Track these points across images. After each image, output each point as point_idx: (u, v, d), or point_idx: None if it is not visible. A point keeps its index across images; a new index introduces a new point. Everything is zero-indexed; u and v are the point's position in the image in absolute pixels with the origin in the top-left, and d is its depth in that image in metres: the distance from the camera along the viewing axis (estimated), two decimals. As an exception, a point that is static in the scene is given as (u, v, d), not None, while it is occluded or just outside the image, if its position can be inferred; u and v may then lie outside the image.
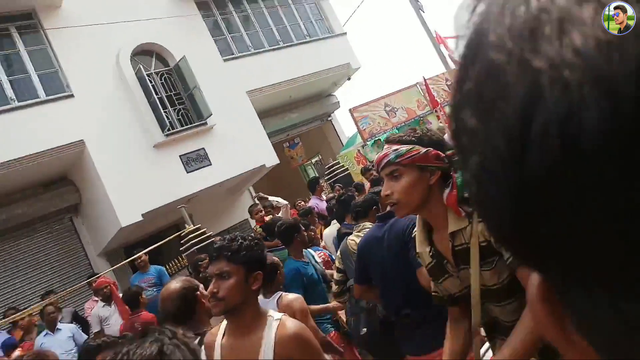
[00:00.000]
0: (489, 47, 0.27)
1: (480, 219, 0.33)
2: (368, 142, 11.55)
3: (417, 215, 1.83)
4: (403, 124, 12.47)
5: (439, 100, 12.90)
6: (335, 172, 10.67)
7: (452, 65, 14.91)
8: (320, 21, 16.38)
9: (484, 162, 0.28)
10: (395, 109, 12.54)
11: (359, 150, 11.48)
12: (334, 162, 11.10)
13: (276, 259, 3.67)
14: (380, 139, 11.79)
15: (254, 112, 12.10)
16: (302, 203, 9.29)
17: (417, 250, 1.84)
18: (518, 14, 0.26)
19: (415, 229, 1.92)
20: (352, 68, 15.37)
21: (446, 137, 1.99)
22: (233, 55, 13.53)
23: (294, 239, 4.10)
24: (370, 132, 11.88)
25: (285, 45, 14.82)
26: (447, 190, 1.65)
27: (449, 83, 12.58)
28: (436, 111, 11.25)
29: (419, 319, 2.62)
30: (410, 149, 1.67)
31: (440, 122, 11.02)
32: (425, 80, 11.27)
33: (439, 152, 1.67)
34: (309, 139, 15.54)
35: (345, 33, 16.39)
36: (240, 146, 11.00)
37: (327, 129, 16.58)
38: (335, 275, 3.70)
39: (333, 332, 3.93)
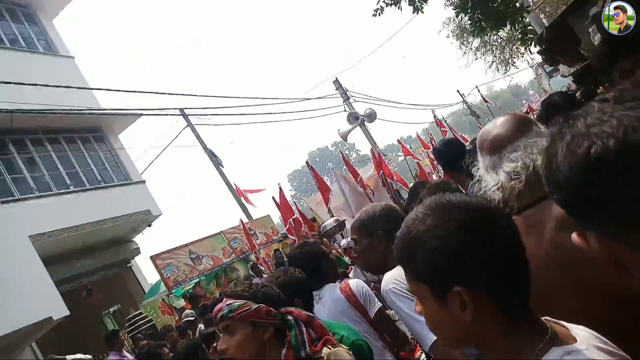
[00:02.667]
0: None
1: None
2: (174, 291, 10.86)
3: None
4: (209, 271, 12.18)
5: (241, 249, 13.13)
6: (139, 324, 9.60)
7: (253, 216, 15.72)
8: (116, 168, 15.89)
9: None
10: (201, 257, 12.27)
11: (163, 299, 10.67)
12: (136, 312, 10.03)
13: None
14: (186, 292, 11.22)
15: (37, 258, 10.53)
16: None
17: None
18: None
19: None
20: (152, 215, 14.88)
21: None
22: (13, 198, 12.02)
23: None
24: (175, 280, 11.26)
25: (76, 189, 13.81)
26: (283, 350, 1.67)
27: (252, 232, 12.98)
28: (255, 253, 11.34)
29: None
30: (243, 304, 1.68)
31: (260, 264, 11.08)
32: (243, 223, 11.45)
33: (270, 308, 1.70)
34: (107, 287, 13.95)
35: (144, 181, 16.10)
36: (17, 297, 9.26)
37: (127, 276, 15.22)
38: None
39: None
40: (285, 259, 12.29)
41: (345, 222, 8.90)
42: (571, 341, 0.85)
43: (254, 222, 14.68)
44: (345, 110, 22.09)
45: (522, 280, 0.88)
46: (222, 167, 17.02)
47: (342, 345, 1.82)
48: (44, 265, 10.54)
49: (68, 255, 12.73)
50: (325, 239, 8.60)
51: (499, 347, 0.88)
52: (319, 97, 21.91)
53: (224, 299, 1.74)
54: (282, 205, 10.44)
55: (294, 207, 10.55)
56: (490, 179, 1.37)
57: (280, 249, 13.53)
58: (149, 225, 15.03)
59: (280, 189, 10.64)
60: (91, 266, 13.32)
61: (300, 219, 10.25)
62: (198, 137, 17.52)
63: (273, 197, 11.18)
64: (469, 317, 0.85)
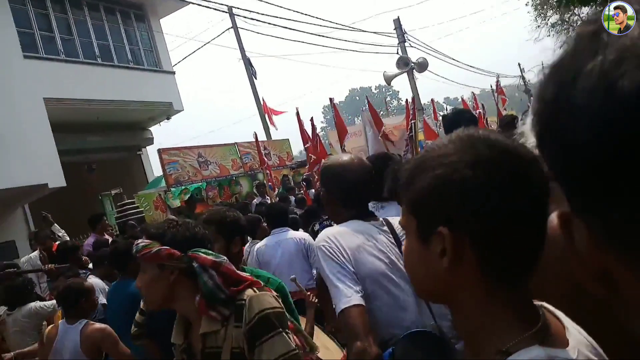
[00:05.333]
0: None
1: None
2: (172, 189, 10.65)
3: None
4: (214, 179, 11.91)
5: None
6: (127, 212, 9.48)
7: (273, 135, 15.28)
8: (149, 52, 15.41)
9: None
10: (209, 162, 11.96)
11: (160, 195, 10.48)
12: (128, 200, 9.88)
13: (89, 283, 3.60)
14: (188, 189, 11.00)
15: (47, 122, 10.34)
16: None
17: (172, 340, 1.78)
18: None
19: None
20: (173, 109, 14.56)
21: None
22: (37, 55, 11.69)
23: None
24: (176, 178, 11.02)
25: (103, 63, 13.43)
26: (197, 297, 1.63)
27: (266, 152, 12.57)
28: (264, 171, 10.97)
29: None
30: (147, 245, 1.64)
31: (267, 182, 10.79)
32: (256, 137, 11.01)
33: (173, 251, 1.63)
34: (112, 169, 13.93)
35: (174, 72, 15.65)
36: (20, 156, 9.14)
37: (134, 163, 15.18)
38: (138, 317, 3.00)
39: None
40: (292, 186, 12.09)
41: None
42: (560, 344, 0.71)
43: (270, 142, 14.25)
44: (397, 53, 21.01)
45: (525, 248, 0.72)
46: (256, 79, 16.42)
47: (271, 289, 1.77)
48: (52, 132, 10.39)
49: (80, 127, 12.57)
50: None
51: (470, 316, 0.75)
52: (375, 32, 20.80)
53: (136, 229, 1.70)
54: (312, 133, 9.86)
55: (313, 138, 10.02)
56: (532, 138, 1.11)
57: (289, 176, 13.16)
58: (168, 118, 14.76)
59: (297, 113, 9.95)
60: (101, 144, 13.19)
61: (319, 147, 9.65)
62: (239, 41, 16.83)
63: (297, 113, 10.38)
64: (445, 265, 0.73)
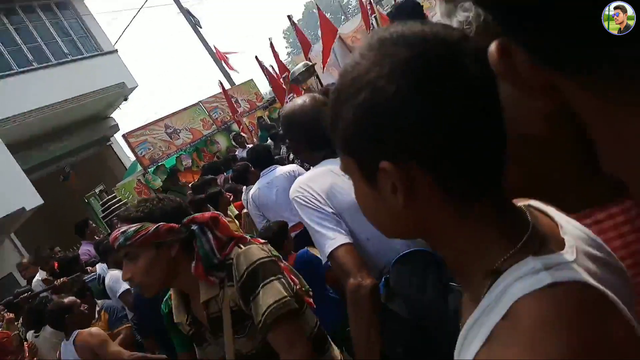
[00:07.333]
0: None
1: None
2: (149, 170, 10.32)
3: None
4: (188, 145, 11.52)
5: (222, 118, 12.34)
6: (113, 208, 9.25)
7: (235, 82, 14.64)
8: (84, 38, 14.58)
9: None
10: (179, 130, 11.51)
11: (139, 180, 10.18)
12: (110, 196, 9.63)
13: (69, 299, 3.59)
14: (164, 164, 10.67)
15: (3, 147, 9.94)
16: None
17: (176, 321, 1.78)
18: None
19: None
20: (127, 87, 13.96)
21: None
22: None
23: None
24: (151, 157, 10.66)
25: (40, 66, 12.73)
26: (193, 263, 1.61)
27: (234, 100, 12.04)
28: (237, 121, 10.69)
29: None
30: (139, 228, 1.56)
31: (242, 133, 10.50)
32: (222, 86, 10.61)
33: (172, 225, 1.59)
34: (88, 168, 13.64)
35: (116, 50, 14.87)
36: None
37: (108, 155, 14.87)
38: None
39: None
40: (271, 123, 11.69)
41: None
42: (556, 246, 0.62)
43: (235, 87, 13.62)
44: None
45: (483, 152, 0.60)
46: (200, 27, 15.53)
47: (259, 240, 1.74)
48: (11, 153, 10.02)
49: (40, 139, 12.15)
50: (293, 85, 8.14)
51: (448, 245, 0.66)
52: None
53: (117, 225, 1.66)
54: (277, 61, 9.84)
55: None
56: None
57: (264, 116, 12.69)
58: (125, 99, 14.22)
59: (271, 43, 9.76)
60: (67, 148, 12.81)
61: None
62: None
63: (256, 57, 10.30)
64: (401, 202, 0.62)
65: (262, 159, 4.46)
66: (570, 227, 0.69)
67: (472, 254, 0.65)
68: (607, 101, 0.33)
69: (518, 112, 0.49)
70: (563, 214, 0.73)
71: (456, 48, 0.59)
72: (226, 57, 14.60)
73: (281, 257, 1.79)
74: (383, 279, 1.61)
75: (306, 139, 1.96)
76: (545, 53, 0.36)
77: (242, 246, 1.66)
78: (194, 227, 1.62)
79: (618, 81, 0.31)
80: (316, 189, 1.76)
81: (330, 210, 1.72)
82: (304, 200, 1.76)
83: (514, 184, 0.73)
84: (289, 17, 9.57)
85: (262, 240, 1.76)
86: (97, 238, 8.16)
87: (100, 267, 5.33)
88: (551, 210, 0.73)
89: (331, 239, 1.65)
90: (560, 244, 0.64)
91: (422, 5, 5.44)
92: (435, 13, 1.27)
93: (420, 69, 0.58)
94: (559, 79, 0.37)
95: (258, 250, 1.64)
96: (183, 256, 1.62)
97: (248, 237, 1.75)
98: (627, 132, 0.33)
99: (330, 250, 1.64)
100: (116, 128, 14.50)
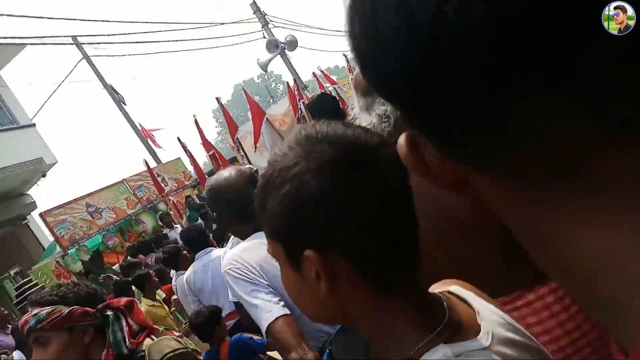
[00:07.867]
0: None
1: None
2: (69, 251, 9.72)
3: None
4: (112, 225, 11.03)
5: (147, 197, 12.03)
6: (28, 293, 8.50)
7: (161, 160, 14.42)
8: (-1, 110, 13.90)
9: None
10: (101, 209, 11.03)
11: (58, 262, 9.53)
12: (26, 279, 8.89)
13: None
14: (86, 245, 10.12)
15: None
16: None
17: None
18: None
19: None
20: (45, 163, 13.29)
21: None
22: None
23: None
24: (71, 238, 10.06)
25: (-53, 139, 11.89)
26: (104, 351, 1.56)
27: (160, 178, 11.83)
28: (164, 199, 10.31)
29: None
30: (52, 311, 1.50)
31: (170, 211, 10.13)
32: (147, 164, 10.30)
33: (87, 309, 1.54)
34: (2, 248, 12.50)
35: (34, 124, 14.27)
36: None
37: (23, 234, 13.77)
38: None
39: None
40: (201, 203, 11.51)
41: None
42: (472, 333, 0.65)
43: (162, 166, 13.40)
44: (264, 37, 20.61)
45: (398, 242, 0.66)
46: (125, 104, 15.39)
47: (175, 332, 1.75)
48: None
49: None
50: None
51: (368, 332, 0.70)
52: (234, 22, 20.21)
53: (29, 308, 1.57)
54: (202, 139, 9.57)
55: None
56: (364, 120, 1.34)
57: (192, 195, 12.54)
58: (44, 176, 13.51)
59: (196, 120, 9.56)
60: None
61: (218, 157, 9.34)
62: (95, 70, 15.63)
63: (178, 138, 10.22)
64: (324, 289, 0.66)
65: (197, 241, 4.30)
66: (487, 313, 0.72)
67: (391, 340, 0.67)
68: (511, 194, 0.34)
69: (446, 197, 0.49)
70: (482, 300, 0.75)
71: (375, 154, 0.65)
72: (152, 135, 14.46)
73: (199, 350, 1.81)
74: (327, 351, 1.58)
75: (234, 212, 1.90)
76: (442, 144, 0.37)
77: (153, 337, 1.63)
78: (109, 312, 1.58)
79: (513, 173, 0.32)
80: (249, 261, 1.72)
81: (265, 282, 1.69)
82: (237, 273, 1.72)
83: (442, 268, 0.79)
84: (217, 99, 9.77)
85: (177, 333, 1.72)
86: (9, 326, 7.49)
87: (18, 355, 4.97)
88: (470, 295, 0.75)
89: (267, 312, 1.61)
90: (477, 330, 0.67)
91: (338, 100, 5.81)
92: (355, 106, 1.40)
93: (342, 170, 0.63)
94: (469, 171, 0.37)
95: (172, 342, 1.62)
96: (97, 343, 1.57)
97: (161, 329, 1.72)
98: (531, 225, 0.34)
99: (267, 324, 1.60)
100: (33, 206, 13.60)
